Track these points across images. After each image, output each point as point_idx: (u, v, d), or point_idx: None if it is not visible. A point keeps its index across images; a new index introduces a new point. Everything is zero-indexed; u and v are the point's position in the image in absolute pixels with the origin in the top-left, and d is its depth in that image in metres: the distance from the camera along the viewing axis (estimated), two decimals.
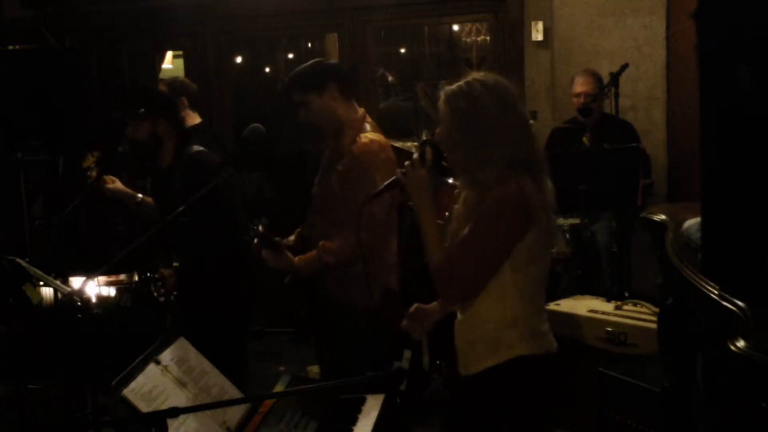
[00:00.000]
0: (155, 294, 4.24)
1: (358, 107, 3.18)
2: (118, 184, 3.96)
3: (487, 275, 2.26)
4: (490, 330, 2.31)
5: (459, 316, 2.43)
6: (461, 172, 2.36)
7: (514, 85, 2.34)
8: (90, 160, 4.01)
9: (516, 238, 2.22)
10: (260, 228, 3.07)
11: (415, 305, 2.55)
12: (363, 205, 2.64)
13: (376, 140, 3.05)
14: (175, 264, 4.04)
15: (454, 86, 2.30)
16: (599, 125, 4.90)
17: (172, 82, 4.39)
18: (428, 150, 2.35)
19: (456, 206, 2.40)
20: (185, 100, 4.22)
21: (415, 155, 2.36)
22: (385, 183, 2.47)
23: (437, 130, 2.36)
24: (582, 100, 4.94)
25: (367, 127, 3.12)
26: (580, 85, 4.98)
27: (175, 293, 4.30)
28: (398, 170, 2.40)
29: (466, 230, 2.25)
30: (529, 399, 2.30)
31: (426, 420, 4.00)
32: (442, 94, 2.32)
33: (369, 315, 3.03)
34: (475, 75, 2.32)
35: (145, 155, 3.70)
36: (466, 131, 2.26)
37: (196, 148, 3.61)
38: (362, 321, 3.06)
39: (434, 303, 2.55)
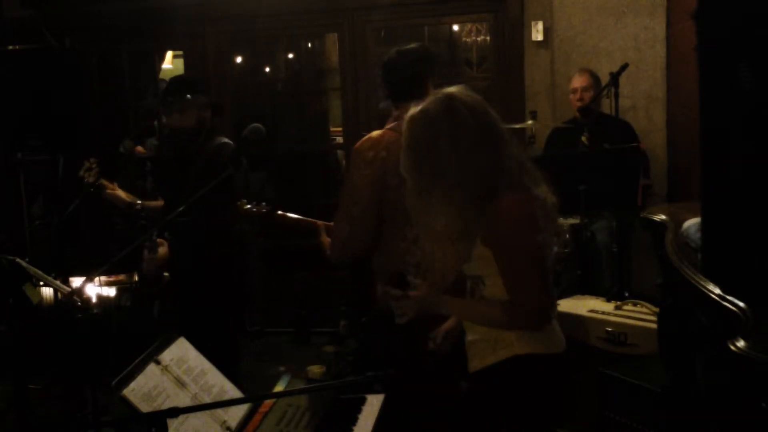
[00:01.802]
0: (146, 254, 4.20)
1: (400, 107, 2.92)
2: (118, 192, 3.95)
3: (547, 284, 2.25)
4: (490, 329, 2.31)
5: None
6: (441, 205, 2.24)
7: (477, 98, 2.25)
8: (86, 166, 3.97)
9: (538, 239, 2.21)
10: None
11: (440, 330, 2.55)
12: (347, 199, 2.74)
13: (371, 137, 2.93)
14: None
15: (414, 110, 2.26)
16: (598, 125, 4.91)
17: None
18: (391, 288, 2.39)
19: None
20: None
21: (388, 292, 2.38)
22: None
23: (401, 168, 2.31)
24: (578, 95, 4.98)
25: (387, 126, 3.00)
26: (575, 81, 5.03)
27: (167, 274, 4.25)
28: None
29: (501, 269, 2.22)
30: (528, 398, 2.29)
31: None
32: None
33: (381, 312, 3.04)
34: (414, 111, 2.25)
35: (182, 143, 3.74)
36: (422, 169, 2.22)
37: (224, 139, 3.67)
38: (377, 316, 3.07)
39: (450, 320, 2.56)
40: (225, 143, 3.68)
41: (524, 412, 2.30)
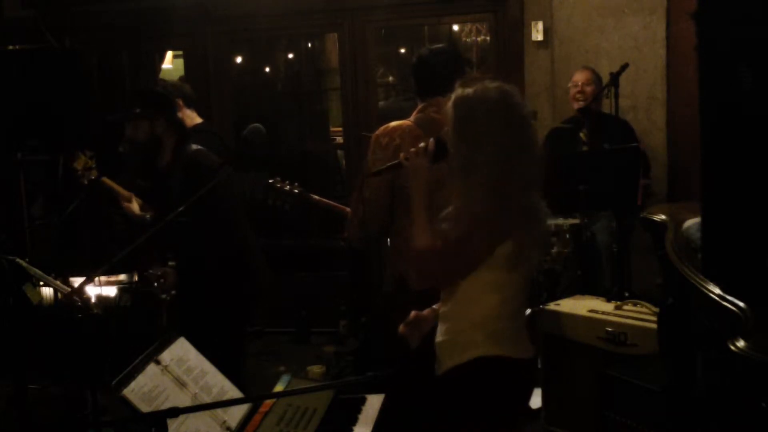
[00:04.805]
0: (158, 293, 4.23)
1: (423, 102, 3.16)
2: (134, 205, 3.93)
3: (458, 275, 2.31)
4: (461, 329, 2.33)
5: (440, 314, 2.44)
6: (455, 174, 2.36)
7: (522, 100, 2.35)
8: (82, 160, 3.94)
9: (484, 252, 2.25)
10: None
11: (413, 313, 2.55)
12: (362, 181, 2.85)
13: (389, 126, 3.11)
14: (171, 263, 4.05)
15: (467, 89, 2.32)
16: (597, 124, 4.90)
17: (165, 85, 4.39)
18: (431, 142, 2.39)
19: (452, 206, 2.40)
20: (180, 102, 4.21)
21: (422, 144, 2.41)
22: (388, 164, 2.55)
23: (445, 129, 2.39)
24: (579, 88, 4.97)
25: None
26: (577, 76, 5.03)
27: (173, 292, 4.28)
28: (402, 155, 2.46)
29: (455, 232, 2.28)
30: (492, 401, 2.31)
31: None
32: (453, 95, 2.35)
33: (386, 299, 3.08)
34: (492, 83, 2.32)
35: (144, 155, 3.70)
36: (463, 136, 2.28)
37: (195, 147, 3.61)
38: (377, 316, 3.12)
39: (429, 309, 2.55)
40: (198, 149, 3.63)
41: (487, 414, 2.31)
